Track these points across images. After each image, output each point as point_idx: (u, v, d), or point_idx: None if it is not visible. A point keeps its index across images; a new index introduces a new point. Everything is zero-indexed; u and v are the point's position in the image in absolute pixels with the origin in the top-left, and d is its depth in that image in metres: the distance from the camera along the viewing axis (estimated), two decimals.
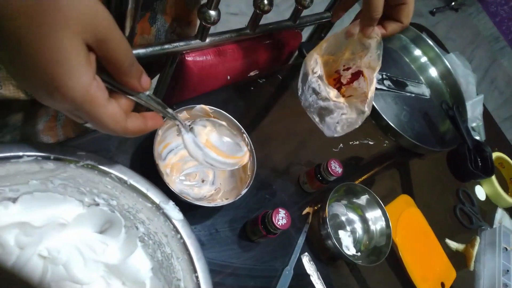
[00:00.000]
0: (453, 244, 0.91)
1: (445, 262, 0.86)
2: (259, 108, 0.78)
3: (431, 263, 0.83)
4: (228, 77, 0.75)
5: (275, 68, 0.85)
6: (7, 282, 0.45)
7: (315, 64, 0.59)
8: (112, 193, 0.46)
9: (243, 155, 0.55)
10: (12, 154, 0.40)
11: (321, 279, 0.67)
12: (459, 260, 0.90)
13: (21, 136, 0.58)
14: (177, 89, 0.72)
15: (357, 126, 0.59)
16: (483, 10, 3.51)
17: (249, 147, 0.63)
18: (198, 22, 0.64)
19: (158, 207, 0.46)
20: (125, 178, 0.45)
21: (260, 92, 0.79)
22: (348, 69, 0.62)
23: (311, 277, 0.67)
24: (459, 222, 0.97)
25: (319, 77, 0.59)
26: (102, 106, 0.31)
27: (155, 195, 0.46)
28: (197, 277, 0.45)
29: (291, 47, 0.84)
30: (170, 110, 0.42)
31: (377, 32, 0.56)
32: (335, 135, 0.60)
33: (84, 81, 0.29)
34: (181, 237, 0.46)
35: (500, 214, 1.05)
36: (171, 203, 0.47)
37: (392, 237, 0.72)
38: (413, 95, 1.02)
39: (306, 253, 0.68)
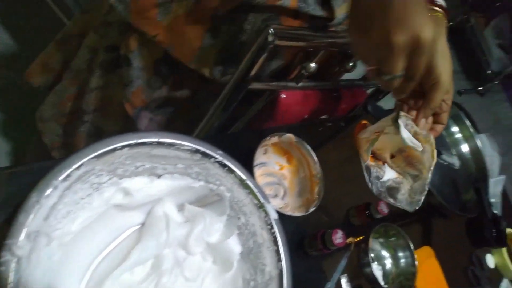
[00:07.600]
0: None
1: None
2: (323, 145, 0.93)
3: None
4: (306, 116, 0.90)
5: (339, 116, 1.00)
6: None
7: (367, 156, 0.68)
8: (230, 187, 0.60)
9: None
10: (178, 142, 0.54)
11: None
12: None
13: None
14: (263, 118, 0.88)
15: (426, 188, 0.67)
16: (507, 100, 3.70)
17: (319, 175, 0.78)
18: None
19: (261, 205, 0.60)
20: (244, 178, 0.59)
21: (326, 133, 0.94)
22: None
23: None
24: (469, 282, 1.09)
25: (371, 165, 0.68)
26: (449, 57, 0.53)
27: (261, 195, 0.60)
28: (281, 265, 0.58)
29: (357, 101, 1.00)
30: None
31: (431, 139, 0.65)
32: (417, 207, 0.67)
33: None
34: (274, 232, 0.59)
35: (505, 284, 1.16)
36: (271, 204, 0.61)
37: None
38: (446, 163, 1.17)
39: (345, 275, 0.81)
